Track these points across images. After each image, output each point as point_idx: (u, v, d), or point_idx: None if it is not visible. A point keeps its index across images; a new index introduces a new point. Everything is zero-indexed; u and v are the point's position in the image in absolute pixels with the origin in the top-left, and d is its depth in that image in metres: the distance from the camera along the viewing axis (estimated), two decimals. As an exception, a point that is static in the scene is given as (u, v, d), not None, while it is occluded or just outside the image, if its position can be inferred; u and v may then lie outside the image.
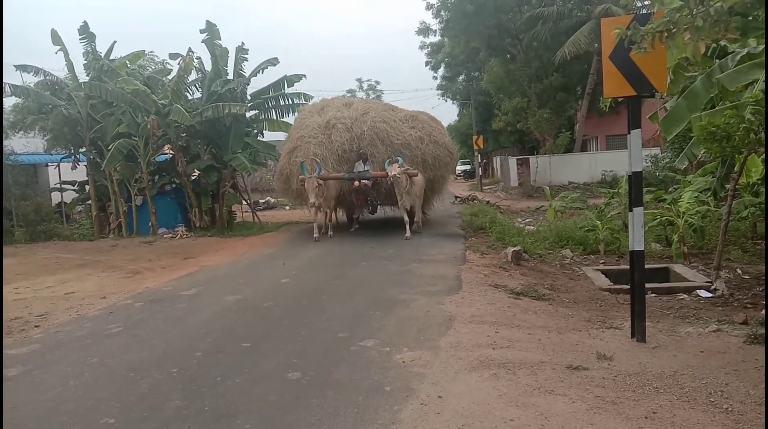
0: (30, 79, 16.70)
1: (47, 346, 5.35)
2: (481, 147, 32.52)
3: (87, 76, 16.27)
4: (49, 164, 21.09)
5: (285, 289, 7.54)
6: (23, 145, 20.51)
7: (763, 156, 7.42)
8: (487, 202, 20.93)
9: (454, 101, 44.74)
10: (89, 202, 17.30)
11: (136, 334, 5.62)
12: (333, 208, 13.68)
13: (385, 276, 8.03)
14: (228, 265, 9.96)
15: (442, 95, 43.24)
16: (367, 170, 12.57)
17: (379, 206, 14.31)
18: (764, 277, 7.21)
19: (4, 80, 14.73)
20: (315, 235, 12.14)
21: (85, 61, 16.19)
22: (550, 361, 4.40)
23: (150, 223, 16.04)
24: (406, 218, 12.11)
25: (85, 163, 16.91)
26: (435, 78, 41.90)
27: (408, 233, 11.93)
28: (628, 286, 5.31)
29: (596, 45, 22.32)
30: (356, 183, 12.36)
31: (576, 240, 10.80)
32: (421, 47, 38.68)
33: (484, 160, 43.28)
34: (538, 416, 3.40)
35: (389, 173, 11.65)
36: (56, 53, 15.98)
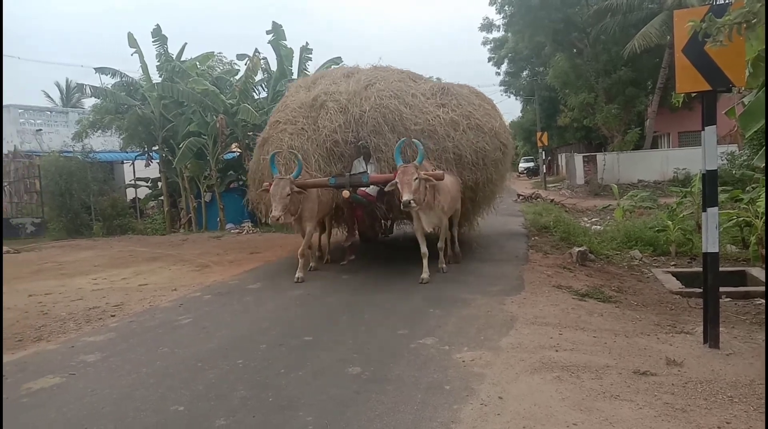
0: (108, 81, 17.63)
1: (122, 335, 5.63)
2: (545, 144, 31.83)
3: (159, 77, 16.99)
4: (125, 162, 22.27)
5: (345, 284, 7.65)
6: (101, 143, 21.68)
7: None
8: (551, 200, 20.47)
9: (518, 97, 43.92)
10: (161, 198, 18.12)
11: (204, 325, 5.84)
12: (328, 226, 9.54)
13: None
14: (290, 259, 10.18)
15: (505, 91, 42.51)
16: (366, 173, 7.95)
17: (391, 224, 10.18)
18: None
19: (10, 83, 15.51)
20: (297, 276, 7.77)
21: (158, 63, 16.89)
22: (616, 365, 4.26)
23: (218, 219, 16.61)
24: (424, 249, 7.41)
25: (158, 161, 17.68)
26: (498, 74, 41.27)
27: (425, 275, 7.28)
28: (701, 290, 5.07)
29: (668, 38, 21.35)
30: (346, 192, 7.77)
31: (645, 241, 10.40)
32: (484, 43, 38.19)
33: (549, 157, 42.31)
34: (603, 421, 3.31)
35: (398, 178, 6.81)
36: (131, 55, 16.78)
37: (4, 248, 14.37)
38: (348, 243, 9.09)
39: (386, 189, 7.29)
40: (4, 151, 21.02)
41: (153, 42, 16.62)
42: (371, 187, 8.11)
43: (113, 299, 7.40)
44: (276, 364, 4.53)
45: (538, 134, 31.60)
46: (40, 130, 22.95)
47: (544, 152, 35.73)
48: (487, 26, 32.75)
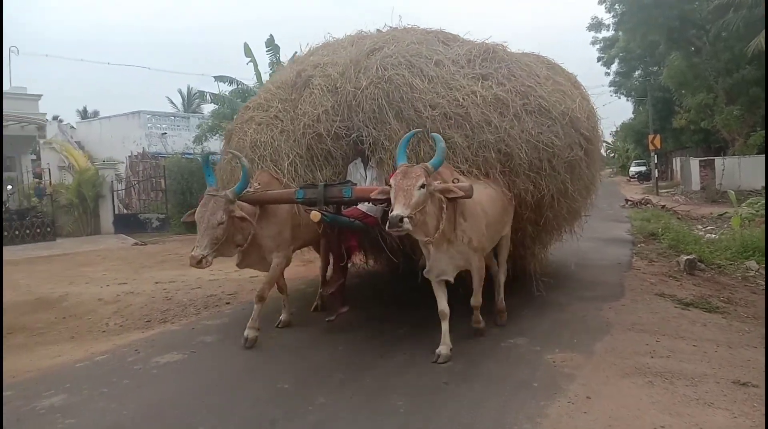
0: (225, 88, 18.96)
1: (235, 321, 6.16)
2: (658, 147, 30.17)
3: (272, 84, 17.96)
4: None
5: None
6: (219, 146, 23.25)
7: None
8: (663, 206, 19.45)
9: (629, 98, 41.91)
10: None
11: (306, 315, 6.26)
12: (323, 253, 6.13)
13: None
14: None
15: (615, 92, 40.70)
16: (349, 184, 5.20)
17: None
18: None
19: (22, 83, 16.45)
20: (246, 335, 5.14)
21: (271, 71, 17.94)
22: (715, 374, 4.16)
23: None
24: (442, 305, 4.73)
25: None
26: (607, 74, 39.60)
27: (442, 349, 4.61)
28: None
29: (801, 32, 19.66)
30: (315, 213, 4.84)
31: (764, 251, 9.72)
32: (593, 42, 36.79)
33: (662, 162, 40.05)
34: (693, 426, 3.30)
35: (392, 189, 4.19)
36: (247, 64, 17.95)
37: (133, 240, 15.91)
38: (330, 289, 5.42)
39: (371, 196, 4.69)
40: (133, 152, 23.19)
41: (267, 51, 17.69)
42: (368, 204, 5.22)
43: (228, 289, 8.06)
44: (373, 352, 4.85)
45: (650, 137, 30.02)
46: (165, 133, 25.07)
47: (656, 156, 33.90)
48: (596, 26, 31.60)
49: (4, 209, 16.35)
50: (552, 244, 7.30)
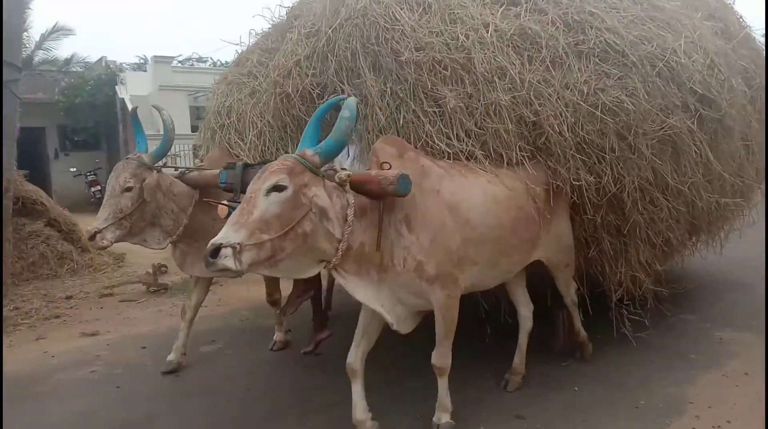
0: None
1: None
2: None
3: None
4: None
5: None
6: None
7: None
8: None
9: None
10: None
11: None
12: None
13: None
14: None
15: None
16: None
17: None
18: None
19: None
20: (170, 359, 4.09)
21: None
22: None
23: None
24: (438, 356, 2.94)
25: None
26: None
27: (441, 418, 3.00)
28: None
29: None
30: (222, 207, 3.29)
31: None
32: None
33: None
34: None
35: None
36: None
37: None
38: (292, 308, 3.83)
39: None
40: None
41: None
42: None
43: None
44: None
45: None
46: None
47: None
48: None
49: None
50: (669, 262, 4.77)
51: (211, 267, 2.22)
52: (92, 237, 3.41)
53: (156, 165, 3.65)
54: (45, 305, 5.95)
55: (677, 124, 3.44)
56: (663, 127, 3.41)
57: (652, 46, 3.45)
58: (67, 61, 19.00)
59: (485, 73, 3.25)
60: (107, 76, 16.92)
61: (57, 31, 17.88)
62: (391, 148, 2.88)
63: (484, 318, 3.94)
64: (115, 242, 3.51)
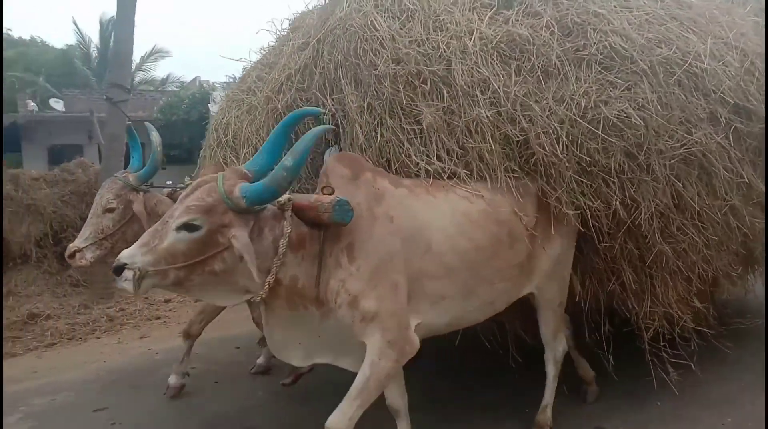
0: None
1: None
2: None
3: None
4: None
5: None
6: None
7: None
8: None
9: None
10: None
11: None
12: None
13: None
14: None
15: None
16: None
17: None
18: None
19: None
20: (170, 382, 4.14)
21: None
22: None
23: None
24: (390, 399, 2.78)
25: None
26: None
27: None
28: None
29: None
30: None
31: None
32: None
33: None
34: None
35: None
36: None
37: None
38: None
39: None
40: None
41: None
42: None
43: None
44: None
45: None
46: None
47: None
48: None
49: None
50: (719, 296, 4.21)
51: (113, 282, 2.17)
52: (71, 255, 3.34)
53: (142, 187, 3.57)
54: (147, 307, 6.71)
55: (703, 140, 2.96)
56: (683, 144, 2.93)
57: (670, 50, 2.98)
58: (163, 81, 20.37)
59: (465, 86, 2.87)
60: (200, 94, 17.94)
61: (155, 53, 19.25)
62: (344, 169, 2.56)
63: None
64: (95, 261, 3.41)
